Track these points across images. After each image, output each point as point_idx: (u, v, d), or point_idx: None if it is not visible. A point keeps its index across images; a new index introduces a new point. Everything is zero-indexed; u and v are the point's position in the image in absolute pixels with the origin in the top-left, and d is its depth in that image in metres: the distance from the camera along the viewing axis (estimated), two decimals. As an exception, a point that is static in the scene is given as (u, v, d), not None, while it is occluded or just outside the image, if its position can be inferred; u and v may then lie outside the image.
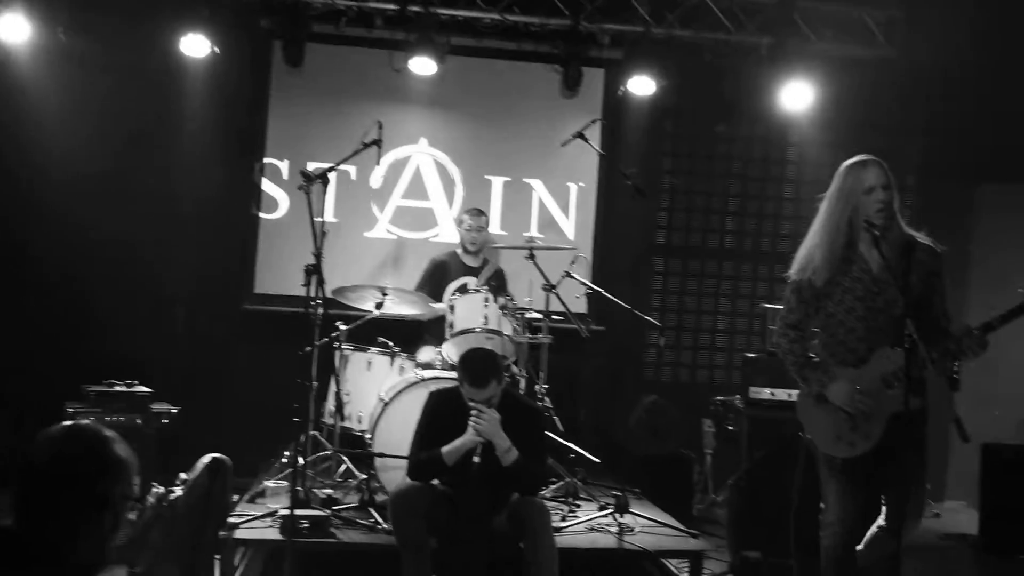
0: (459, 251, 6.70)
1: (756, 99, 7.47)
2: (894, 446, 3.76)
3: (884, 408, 3.80)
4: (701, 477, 6.99)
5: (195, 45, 6.78)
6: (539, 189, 7.64)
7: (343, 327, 5.81)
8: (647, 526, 5.30)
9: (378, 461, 5.30)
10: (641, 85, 7.29)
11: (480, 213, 6.69)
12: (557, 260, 6.23)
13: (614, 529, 5.19)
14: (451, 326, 5.83)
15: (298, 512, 4.68)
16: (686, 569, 5.09)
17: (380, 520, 4.93)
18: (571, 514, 5.43)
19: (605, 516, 5.33)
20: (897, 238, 3.89)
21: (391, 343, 5.92)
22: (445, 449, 4.40)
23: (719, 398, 6.52)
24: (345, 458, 5.77)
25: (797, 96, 7.20)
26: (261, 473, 5.88)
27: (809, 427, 4.04)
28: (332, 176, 5.33)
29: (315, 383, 5.58)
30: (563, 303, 6.03)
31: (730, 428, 6.12)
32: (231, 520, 4.79)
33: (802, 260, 4.06)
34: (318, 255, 4.96)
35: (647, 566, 5.42)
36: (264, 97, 7.39)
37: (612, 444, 6.57)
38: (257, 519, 4.92)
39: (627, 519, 5.27)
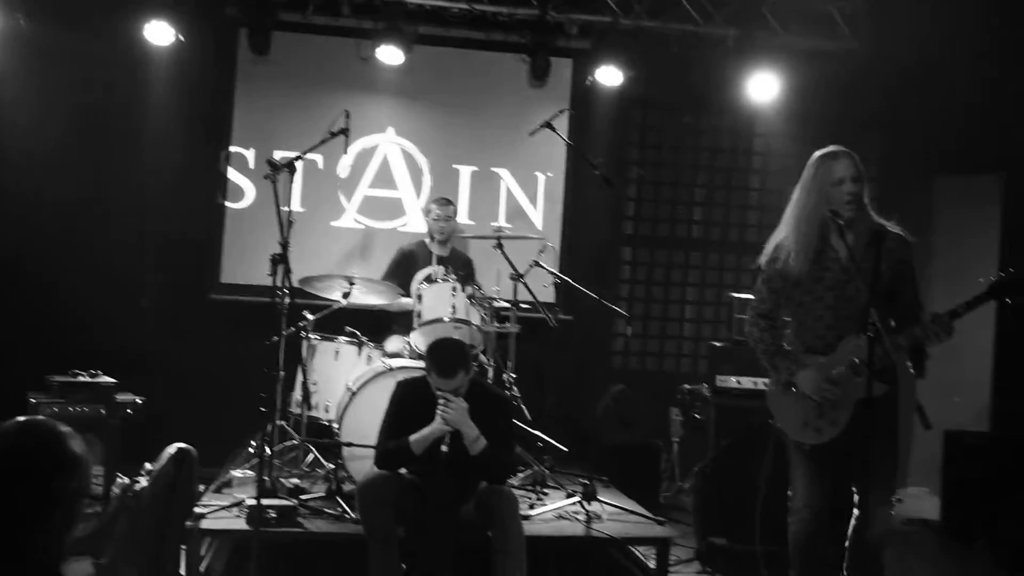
0: (427, 240, 6.69)
1: (723, 90, 7.51)
2: (861, 433, 3.80)
3: (851, 395, 3.84)
4: (668, 465, 7.04)
5: (159, 33, 6.71)
6: (507, 179, 7.64)
7: (310, 317, 5.79)
8: (614, 514, 5.33)
9: (346, 450, 5.29)
10: (609, 75, 7.30)
11: (448, 202, 6.68)
12: (525, 250, 6.24)
13: (581, 517, 5.21)
14: (419, 315, 5.82)
15: (265, 502, 4.65)
16: (653, 556, 5.12)
17: (348, 509, 4.92)
18: (539, 502, 5.45)
19: (573, 504, 5.36)
20: (867, 228, 3.93)
21: (359, 332, 5.91)
22: (413, 438, 4.41)
23: (686, 387, 6.58)
24: (312, 448, 5.75)
25: (764, 87, 7.25)
26: (227, 463, 5.85)
27: (778, 414, 4.09)
28: (299, 165, 5.31)
29: (282, 373, 5.58)
30: (531, 292, 6.04)
31: (697, 416, 6.17)
32: (197, 510, 4.77)
33: (773, 250, 4.11)
34: (285, 244, 4.93)
35: (614, 553, 5.45)
36: (230, 85, 7.33)
37: (580, 433, 6.59)
38: (223, 509, 4.90)
39: (594, 507, 5.30)
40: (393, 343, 6.06)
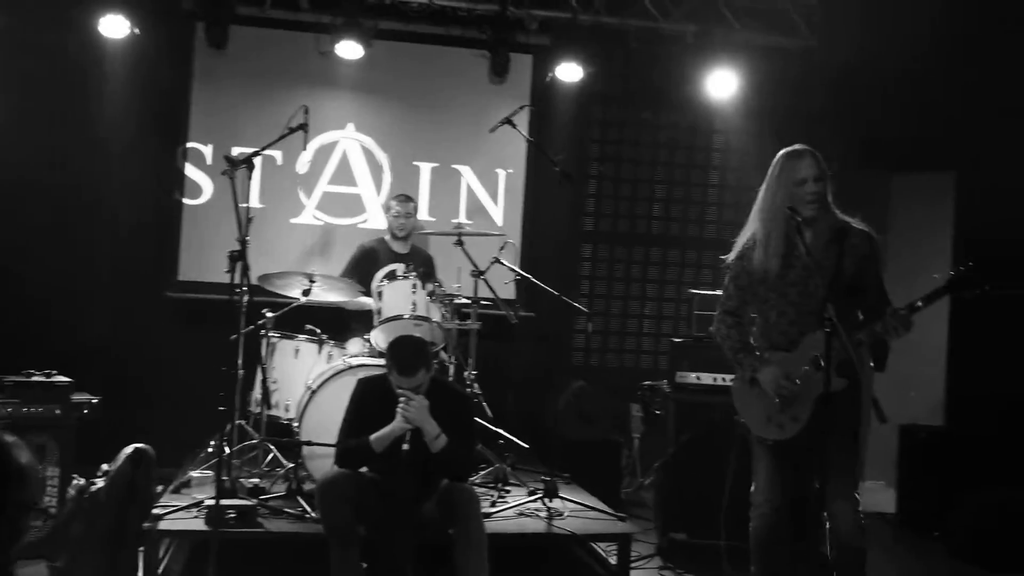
0: (387, 237, 6.66)
1: (682, 87, 7.56)
2: (822, 428, 3.83)
3: (813, 391, 3.87)
4: (629, 461, 7.08)
5: (114, 26, 6.61)
6: (467, 175, 7.62)
7: (270, 314, 5.74)
8: (576, 510, 5.34)
9: (306, 449, 5.26)
10: (569, 72, 7.31)
11: (408, 199, 6.66)
12: (486, 246, 6.23)
13: (543, 514, 5.22)
14: (379, 313, 5.80)
15: (224, 502, 4.61)
16: (614, 552, 5.13)
17: (308, 509, 4.89)
18: (500, 499, 5.44)
19: (534, 501, 5.36)
20: (829, 225, 3.97)
21: (319, 330, 5.87)
22: (373, 436, 4.39)
23: (646, 383, 6.60)
24: (272, 447, 5.70)
25: (722, 84, 7.30)
26: (186, 463, 5.80)
27: (742, 410, 4.14)
28: (257, 161, 5.23)
29: (241, 371, 5.51)
30: (492, 289, 6.03)
31: (657, 412, 6.20)
32: (155, 511, 4.70)
33: (739, 248, 4.18)
34: (243, 241, 4.88)
35: (576, 550, 5.47)
36: (187, 80, 7.24)
37: (541, 429, 6.59)
38: (182, 510, 4.84)
39: (556, 504, 5.31)
40: (354, 345, 6.03)
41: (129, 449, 4.74)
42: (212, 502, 4.60)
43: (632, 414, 7.20)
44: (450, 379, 5.87)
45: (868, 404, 3.98)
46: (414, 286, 5.77)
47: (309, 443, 5.23)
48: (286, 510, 4.93)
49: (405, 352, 4.45)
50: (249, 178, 5.18)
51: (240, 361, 5.46)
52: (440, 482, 4.49)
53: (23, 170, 6.65)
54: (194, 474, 5.49)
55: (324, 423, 5.12)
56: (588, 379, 7.18)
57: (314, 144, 7.24)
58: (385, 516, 4.41)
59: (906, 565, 5.72)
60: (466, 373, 6.00)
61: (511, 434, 6.01)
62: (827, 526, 4.01)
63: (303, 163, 7.30)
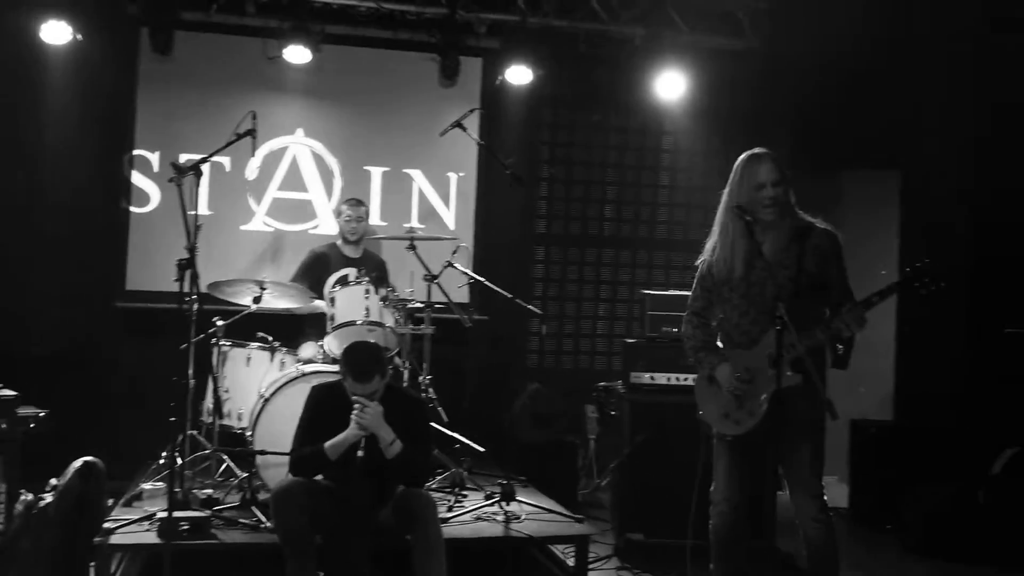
0: (339, 242, 6.62)
1: (632, 89, 7.61)
2: (777, 423, 3.89)
3: (767, 386, 3.93)
4: (585, 462, 7.09)
5: (56, 32, 6.51)
6: (419, 179, 7.60)
7: (220, 322, 5.68)
8: (533, 513, 5.34)
9: (259, 459, 5.21)
10: (519, 75, 7.32)
11: (359, 203, 6.62)
12: (438, 250, 6.22)
13: (500, 518, 5.21)
14: (332, 319, 5.76)
15: (177, 514, 4.53)
16: (572, 554, 5.14)
17: (263, 518, 4.84)
18: (457, 504, 5.43)
19: (491, 505, 5.35)
20: (791, 227, 4.04)
21: (271, 338, 5.82)
22: (328, 444, 4.36)
23: (601, 384, 6.63)
24: (225, 457, 5.64)
25: (671, 86, 7.36)
26: (137, 476, 5.71)
27: (703, 408, 4.21)
28: (205, 168, 5.17)
29: (192, 381, 5.46)
30: (445, 293, 6.02)
31: (612, 413, 6.22)
32: (106, 525, 4.63)
33: (706, 250, 4.23)
34: (192, 249, 4.82)
35: (534, 553, 5.47)
36: (132, 86, 7.14)
37: (497, 433, 6.59)
38: (134, 523, 4.76)
39: (513, 507, 5.30)
40: (307, 350, 5.98)
41: (78, 463, 4.67)
42: (164, 514, 4.50)
43: (587, 415, 7.22)
44: (404, 384, 5.85)
45: (823, 400, 4.03)
46: (367, 291, 5.74)
47: (263, 452, 5.18)
48: (240, 520, 4.87)
49: (360, 358, 4.43)
50: (197, 185, 5.11)
51: (191, 371, 5.40)
52: (396, 488, 4.48)
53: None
54: (146, 486, 5.40)
55: (278, 432, 5.07)
56: (543, 381, 7.19)
57: (263, 150, 7.19)
58: (341, 524, 4.38)
59: (859, 559, 5.79)
60: (420, 378, 5.98)
61: (467, 438, 6.00)
62: (797, 523, 4.07)
63: (252, 169, 7.24)
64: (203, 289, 5.19)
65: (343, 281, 5.95)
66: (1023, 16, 5.98)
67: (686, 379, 5.65)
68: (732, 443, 4.10)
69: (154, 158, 7.16)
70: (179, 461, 4.98)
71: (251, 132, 5.33)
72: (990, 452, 6.16)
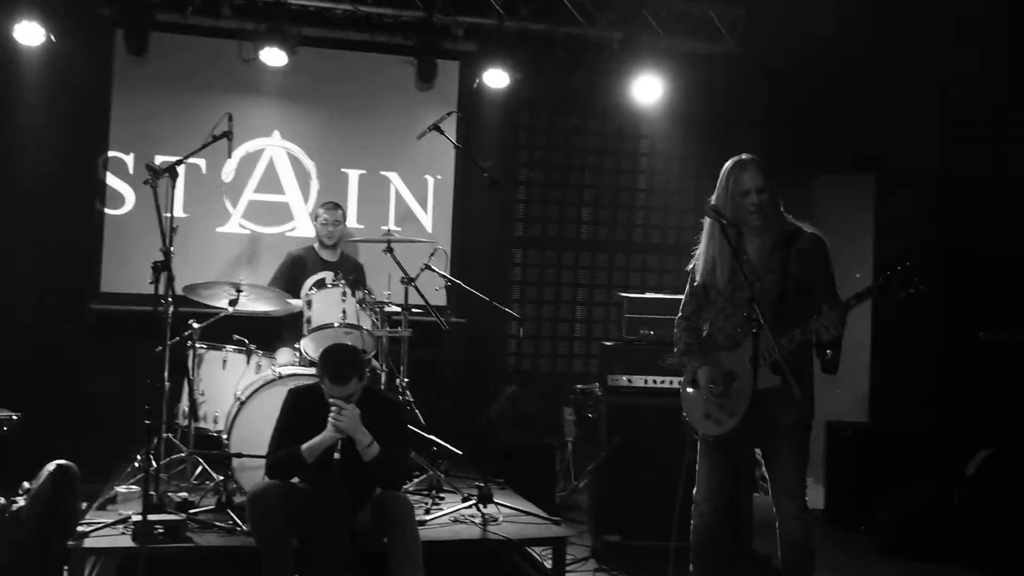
0: (316, 246, 6.60)
1: (609, 92, 7.64)
2: (756, 424, 3.96)
3: (748, 388, 3.96)
4: (563, 464, 7.10)
5: (30, 33, 6.45)
6: (396, 182, 7.59)
7: (196, 325, 5.64)
8: (510, 515, 5.33)
9: (235, 462, 5.18)
10: (496, 78, 7.33)
11: (336, 207, 6.61)
12: (416, 253, 6.21)
13: (478, 520, 5.21)
14: (308, 322, 5.75)
15: (152, 517, 4.52)
16: (549, 556, 5.14)
17: (238, 522, 4.80)
18: (435, 507, 5.42)
19: (469, 507, 5.34)
20: (777, 231, 4.08)
21: (247, 340, 5.79)
22: (305, 446, 4.35)
23: (578, 386, 6.65)
24: (201, 459, 5.60)
25: (648, 90, 7.40)
26: (112, 479, 5.66)
27: (687, 409, 4.25)
28: (181, 170, 5.17)
29: (167, 384, 5.42)
30: (422, 296, 6.01)
31: (590, 415, 6.24)
32: (80, 529, 4.59)
33: (695, 256, 4.27)
34: (167, 252, 4.81)
35: (511, 555, 5.47)
36: (106, 88, 7.09)
37: (474, 435, 6.59)
38: (108, 527, 4.72)
39: (490, 509, 5.30)
40: (284, 355, 5.96)
41: (51, 466, 4.63)
42: (139, 518, 4.51)
43: (565, 418, 7.22)
44: (382, 387, 5.84)
45: (806, 401, 4.08)
46: (344, 294, 5.73)
47: (239, 455, 5.15)
48: (216, 524, 4.84)
49: (337, 361, 4.42)
50: (173, 187, 5.10)
51: (166, 373, 5.38)
52: (373, 491, 4.46)
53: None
54: (120, 489, 5.37)
55: (254, 434, 5.04)
56: (520, 384, 7.20)
57: (239, 152, 7.15)
58: (318, 526, 4.36)
59: (834, 560, 5.81)
60: (398, 380, 5.97)
61: (444, 441, 5.99)
62: (777, 522, 4.10)
63: (228, 171, 7.21)
64: (179, 292, 5.18)
65: (320, 284, 5.93)
66: (988, 18, 6.04)
67: (663, 381, 5.69)
68: (713, 444, 4.15)
69: (129, 160, 7.11)
70: (154, 464, 4.96)
71: (227, 134, 5.32)
72: (964, 454, 6.21)
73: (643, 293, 6.62)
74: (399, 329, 6.00)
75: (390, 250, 6.02)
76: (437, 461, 5.91)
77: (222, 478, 5.21)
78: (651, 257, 8.23)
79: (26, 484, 4.60)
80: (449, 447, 6.00)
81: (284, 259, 6.57)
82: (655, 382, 5.70)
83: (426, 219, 7.64)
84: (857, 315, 4.15)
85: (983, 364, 6.54)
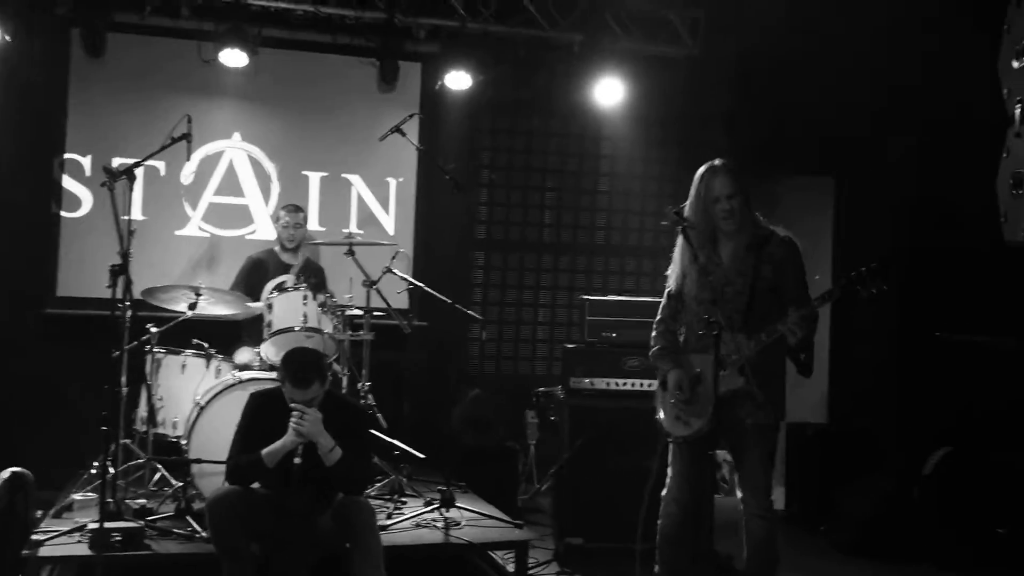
0: (277, 248, 6.56)
1: (570, 95, 7.66)
2: (723, 426, 4.02)
3: (715, 390, 3.99)
4: (525, 467, 7.10)
5: (-17, 33, 6.36)
6: (358, 184, 7.56)
7: (154, 329, 5.58)
8: (473, 519, 5.33)
9: (195, 467, 5.13)
10: (458, 80, 7.32)
11: (297, 209, 6.56)
12: (378, 256, 6.18)
13: (440, 524, 5.20)
14: (269, 325, 5.71)
15: (109, 525, 4.47)
16: (512, 559, 5.14)
17: (198, 528, 4.76)
18: (397, 511, 5.40)
19: (431, 511, 5.34)
20: (750, 235, 4.14)
21: (207, 344, 5.73)
22: (265, 451, 4.31)
23: (541, 389, 6.65)
24: (159, 465, 5.54)
25: (609, 92, 7.42)
26: (68, 486, 5.59)
27: (659, 410, 4.30)
28: (139, 172, 5.11)
29: (125, 389, 5.36)
30: (384, 299, 5.99)
31: (552, 418, 6.24)
32: (35, 537, 4.53)
33: (672, 261, 4.32)
34: (125, 255, 4.75)
35: (474, 559, 5.46)
36: (63, 89, 6.99)
37: (437, 439, 6.57)
38: (64, 535, 4.66)
39: (453, 513, 5.29)
40: (243, 355, 5.91)
41: (6, 473, 4.56)
42: (96, 525, 4.45)
43: (527, 420, 7.23)
44: (343, 391, 5.81)
45: (775, 402, 4.13)
46: (305, 298, 5.70)
47: (198, 461, 5.10)
48: (175, 531, 4.79)
49: (299, 364, 4.38)
50: (131, 190, 5.05)
51: (124, 378, 5.32)
52: (335, 496, 4.43)
53: None
54: (77, 497, 5.30)
55: (214, 439, 4.99)
56: (483, 386, 7.19)
57: (199, 154, 7.09)
58: (279, 532, 4.34)
59: (794, 560, 5.85)
60: (359, 384, 5.94)
61: (407, 444, 5.96)
62: (743, 520, 4.16)
63: (187, 174, 7.13)
64: (137, 295, 5.13)
65: (281, 287, 5.89)
66: (946, 18, 6.11)
67: (625, 384, 5.72)
68: (684, 445, 4.22)
69: (86, 162, 7.02)
70: (111, 471, 4.90)
71: (186, 136, 5.27)
72: (922, 453, 6.28)
73: (605, 295, 6.64)
74: (361, 332, 5.98)
75: (352, 253, 5.99)
76: (399, 465, 5.90)
77: (181, 484, 5.16)
78: (613, 259, 8.26)
79: (-20, 492, 4.52)
80: (411, 451, 5.97)
81: (244, 262, 6.52)
82: (617, 384, 5.73)
83: (388, 222, 7.61)
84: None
85: (940, 364, 6.62)
